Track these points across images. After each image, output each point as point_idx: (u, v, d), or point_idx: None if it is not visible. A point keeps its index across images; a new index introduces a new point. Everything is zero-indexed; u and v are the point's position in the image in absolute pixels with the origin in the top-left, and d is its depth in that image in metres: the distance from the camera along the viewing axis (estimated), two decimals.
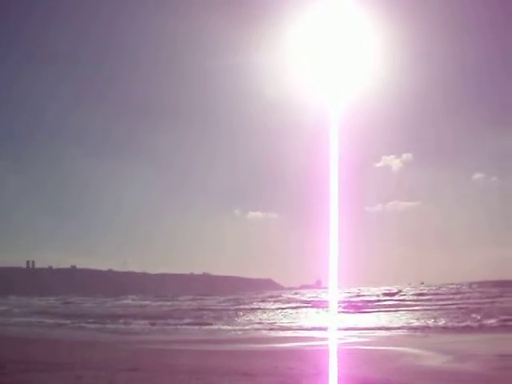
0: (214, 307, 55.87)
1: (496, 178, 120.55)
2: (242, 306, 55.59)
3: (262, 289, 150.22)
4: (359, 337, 22.29)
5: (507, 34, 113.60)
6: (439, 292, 74.26)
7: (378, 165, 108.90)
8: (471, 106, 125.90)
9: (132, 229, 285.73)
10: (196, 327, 31.90)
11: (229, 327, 31.23)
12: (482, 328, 25.23)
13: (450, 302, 47.03)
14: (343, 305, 46.59)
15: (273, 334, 27.02)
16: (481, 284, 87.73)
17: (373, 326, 28.45)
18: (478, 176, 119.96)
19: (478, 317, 29.80)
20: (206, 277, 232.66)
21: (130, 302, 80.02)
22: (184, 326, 32.55)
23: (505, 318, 28.19)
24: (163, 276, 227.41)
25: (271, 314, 44.65)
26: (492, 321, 27.39)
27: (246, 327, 31.33)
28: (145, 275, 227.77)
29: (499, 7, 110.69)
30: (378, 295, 67.16)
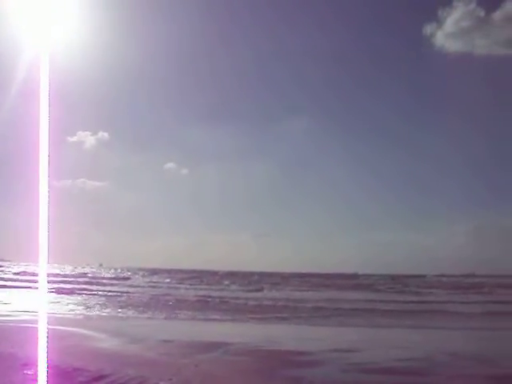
0: None
1: (187, 170, 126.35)
2: None
3: None
4: (31, 315, 21.06)
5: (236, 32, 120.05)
6: (122, 276, 75.50)
7: (72, 139, 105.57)
8: (179, 97, 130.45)
9: None
10: None
11: None
12: (153, 315, 26.01)
13: (128, 289, 47.89)
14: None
15: None
16: (160, 271, 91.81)
17: (47, 305, 27.37)
18: (169, 166, 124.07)
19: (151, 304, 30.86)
20: None
21: None
22: None
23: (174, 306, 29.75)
24: None
25: None
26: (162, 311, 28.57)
27: None
28: None
29: None
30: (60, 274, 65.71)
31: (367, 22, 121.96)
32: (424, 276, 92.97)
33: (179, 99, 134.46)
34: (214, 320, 24.05)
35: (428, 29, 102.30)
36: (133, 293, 41.64)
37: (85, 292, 40.60)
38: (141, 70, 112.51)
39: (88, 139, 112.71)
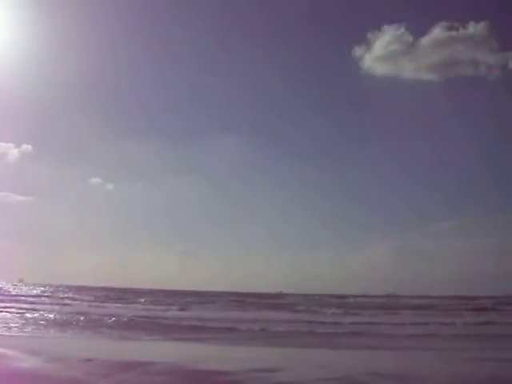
0: None
1: (112, 185, 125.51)
2: None
3: None
4: None
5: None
6: (42, 293, 73.25)
7: None
8: (107, 112, 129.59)
9: None
10: None
11: None
12: (73, 333, 25.53)
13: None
14: None
15: None
16: (82, 288, 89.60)
17: None
18: (95, 180, 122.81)
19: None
20: None
21: None
22: None
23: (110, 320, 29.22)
24: None
25: None
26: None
27: None
28: None
29: None
30: None
31: (296, 42, 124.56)
32: (346, 296, 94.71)
33: (107, 114, 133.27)
34: (136, 339, 23.83)
35: (357, 51, 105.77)
36: (53, 310, 40.56)
37: (1, 309, 39.30)
38: (67, 83, 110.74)
39: (11, 151, 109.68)
